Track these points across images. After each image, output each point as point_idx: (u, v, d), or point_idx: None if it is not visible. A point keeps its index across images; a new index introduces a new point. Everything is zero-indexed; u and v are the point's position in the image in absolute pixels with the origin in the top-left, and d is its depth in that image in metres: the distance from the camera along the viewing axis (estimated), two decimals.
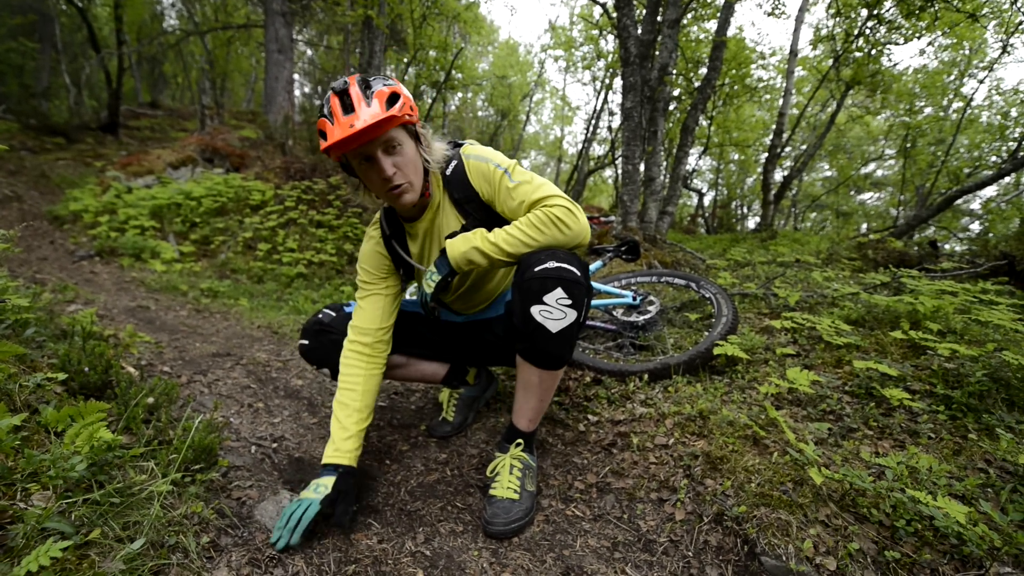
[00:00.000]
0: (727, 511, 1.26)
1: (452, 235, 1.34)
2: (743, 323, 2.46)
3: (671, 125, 7.40)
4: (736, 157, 14.28)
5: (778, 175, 8.69)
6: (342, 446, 1.29)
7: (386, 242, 1.50)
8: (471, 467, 1.58)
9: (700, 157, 10.00)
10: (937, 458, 1.37)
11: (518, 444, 1.41)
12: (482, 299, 1.63)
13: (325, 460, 1.28)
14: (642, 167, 4.62)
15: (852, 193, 16.35)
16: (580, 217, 1.30)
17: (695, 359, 1.94)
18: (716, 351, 1.85)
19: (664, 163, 5.41)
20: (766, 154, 8.02)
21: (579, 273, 1.26)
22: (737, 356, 1.84)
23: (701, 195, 9.20)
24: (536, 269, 1.23)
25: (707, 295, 2.40)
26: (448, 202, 1.42)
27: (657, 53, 4.71)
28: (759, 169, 11.13)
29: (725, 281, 3.03)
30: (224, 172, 5.94)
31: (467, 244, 1.27)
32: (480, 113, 24.64)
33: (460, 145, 1.45)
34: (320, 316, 1.53)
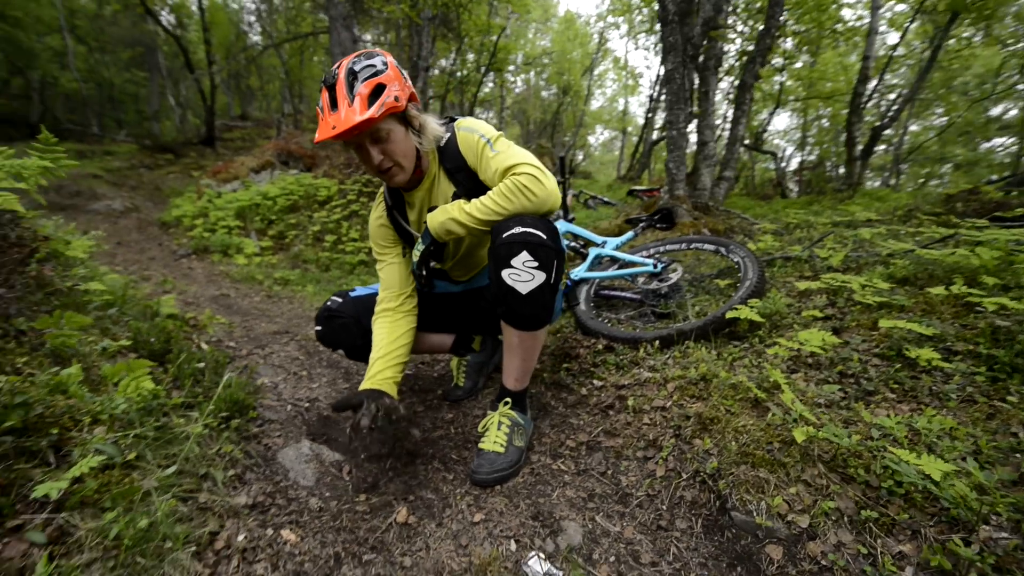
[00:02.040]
0: (703, 468, 1.26)
1: (432, 208, 1.44)
2: (779, 286, 2.33)
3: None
4: (827, 112, 12.87)
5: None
6: (369, 379, 1.43)
7: (388, 213, 1.63)
8: (473, 426, 1.70)
9: (773, 115, 9.15)
10: (959, 421, 1.26)
11: (506, 403, 1.49)
12: (475, 265, 1.72)
13: (363, 387, 1.42)
14: (692, 133, 4.39)
15: (977, 141, 14.08)
16: (547, 183, 1.33)
17: (709, 325, 1.89)
18: (731, 315, 1.79)
19: (720, 126, 5.07)
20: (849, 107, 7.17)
21: (544, 236, 1.31)
22: (754, 320, 1.77)
23: (776, 157, 8.46)
24: (504, 235, 1.29)
25: (735, 259, 2.30)
26: (442, 172, 1.51)
27: (700, 8, 4.41)
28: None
29: (766, 245, 2.85)
30: (298, 172, 6.51)
31: (445, 215, 1.36)
32: (543, 93, 24.36)
33: (455, 119, 1.53)
34: (329, 304, 1.69)
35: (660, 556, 1.10)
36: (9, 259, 1.25)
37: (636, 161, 15.58)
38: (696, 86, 4.69)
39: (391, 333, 1.53)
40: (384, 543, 1.15)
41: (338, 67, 1.31)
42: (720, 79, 5.70)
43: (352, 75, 1.29)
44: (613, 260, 2.70)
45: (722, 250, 2.43)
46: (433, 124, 1.48)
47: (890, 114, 7.36)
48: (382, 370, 1.46)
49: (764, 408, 1.44)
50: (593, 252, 2.77)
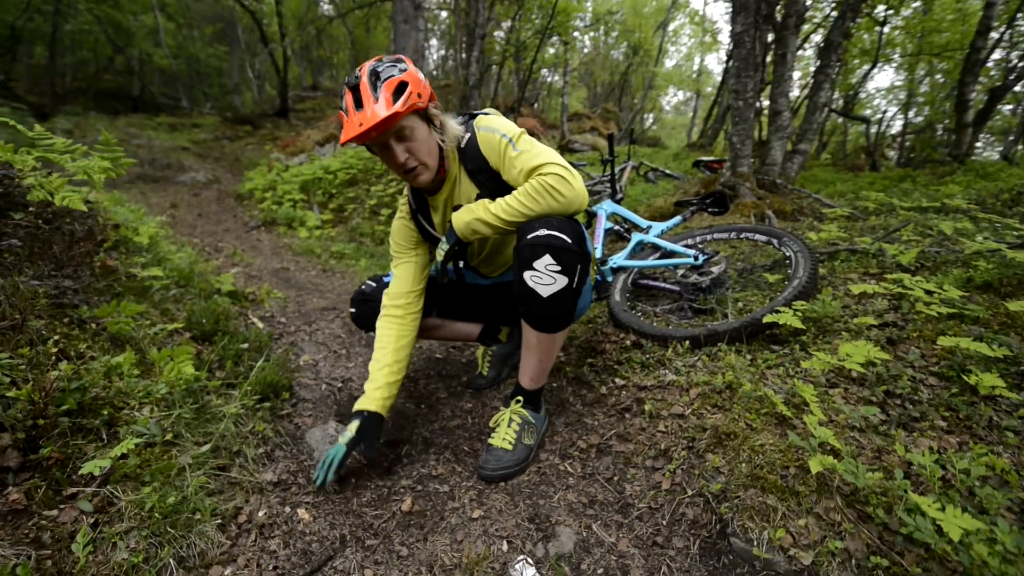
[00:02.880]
0: (709, 486, 1.22)
1: (457, 207, 1.45)
2: (839, 284, 2.13)
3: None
4: (942, 66, 11.12)
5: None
6: (370, 394, 1.51)
7: (413, 216, 1.66)
8: (490, 417, 1.73)
9: (869, 74, 8.06)
10: (1014, 464, 1.11)
11: (518, 400, 1.51)
12: (502, 262, 1.72)
13: (355, 408, 1.52)
14: (760, 100, 4.00)
15: None
16: (575, 183, 1.30)
17: (745, 327, 1.78)
18: (769, 319, 1.67)
19: (796, 92, 4.58)
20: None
21: (569, 240, 1.28)
22: (793, 325, 1.64)
23: (868, 123, 7.51)
24: (528, 237, 1.29)
25: (788, 253, 2.12)
26: (463, 174, 1.51)
27: None
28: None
29: (830, 234, 2.59)
30: (356, 145, 6.72)
31: (470, 215, 1.37)
32: (613, 53, 23.12)
33: (475, 117, 1.51)
34: (363, 287, 1.77)
35: (650, 574, 1.09)
36: (77, 252, 1.42)
37: (709, 127, 14.54)
38: (771, 47, 4.25)
39: (400, 338, 1.57)
40: (387, 530, 1.23)
41: (359, 70, 1.32)
42: (804, 39, 5.06)
43: (375, 75, 1.30)
44: (656, 248, 2.59)
45: (774, 241, 2.25)
46: (452, 123, 1.46)
47: (1016, 74, 6.24)
48: (391, 383, 1.50)
49: (790, 426, 1.36)
50: (636, 238, 2.67)
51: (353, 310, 1.78)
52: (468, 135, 1.46)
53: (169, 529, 1.05)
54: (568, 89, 15.94)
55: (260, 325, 2.36)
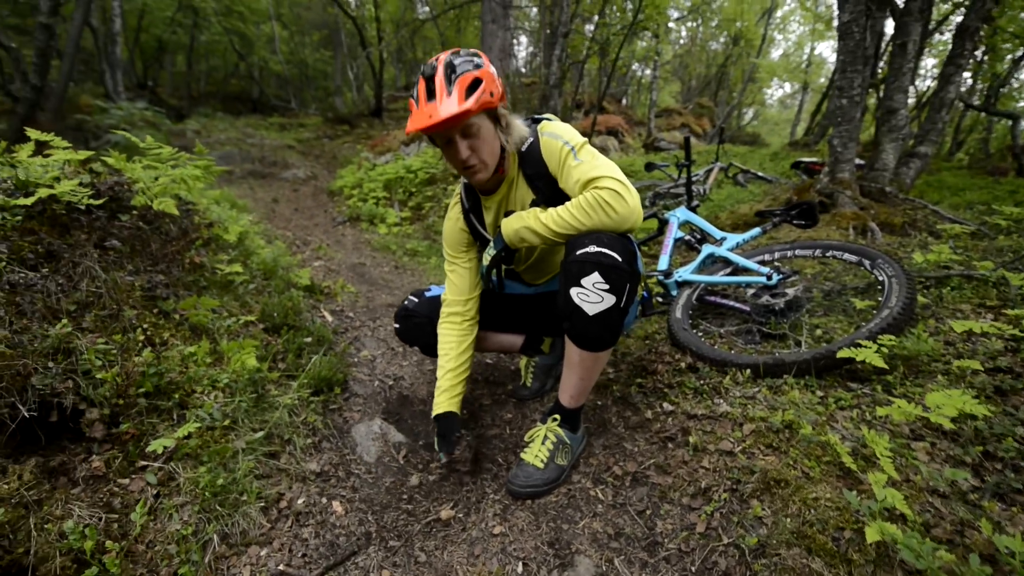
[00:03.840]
0: (747, 537, 1.11)
1: (509, 212, 1.45)
2: (947, 315, 1.84)
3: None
4: None
5: None
6: (439, 399, 1.54)
7: (465, 216, 1.67)
8: (528, 430, 1.72)
9: (1022, 63, 6.78)
10: None
11: (555, 419, 1.48)
12: (548, 270, 1.69)
13: (432, 415, 1.55)
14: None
15: None
16: (630, 200, 1.25)
17: (818, 359, 1.60)
18: (844, 354, 1.49)
19: (911, 88, 3.99)
20: None
21: (620, 259, 1.24)
22: (874, 364, 1.44)
23: (1016, 119, 6.36)
24: (577, 252, 1.26)
25: (880, 278, 1.88)
26: (521, 177, 1.50)
27: None
28: None
29: (938, 256, 2.23)
30: None
31: (520, 223, 1.36)
32: (712, 44, 21.79)
33: (540, 121, 1.50)
34: (406, 303, 1.81)
35: None
36: (170, 250, 1.62)
37: (816, 123, 13.20)
38: (887, 37, 3.75)
39: (460, 343, 1.60)
40: (410, 534, 1.27)
41: (436, 60, 1.31)
42: (940, 22, 4.34)
43: (451, 68, 1.27)
44: (727, 262, 2.41)
45: (866, 263, 2.00)
46: (519, 125, 1.45)
47: None
48: (454, 386, 1.55)
49: (855, 480, 1.20)
50: (706, 250, 2.51)
51: (397, 325, 1.82)
52: (531, 139, 1.45)
53: (217, 507, 1.17)
54: (657, 84, 15.29)
55: (329, 319, 2.54)
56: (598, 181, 1.25)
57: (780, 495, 1.20)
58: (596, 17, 6.37)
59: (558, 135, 1.39)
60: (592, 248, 1.22)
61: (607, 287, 1.22)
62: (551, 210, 1.32)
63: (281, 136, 9.84)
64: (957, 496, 1.10)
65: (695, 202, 3.02)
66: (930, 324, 1.67)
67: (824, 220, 3.43)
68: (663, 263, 2.64)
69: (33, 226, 1.26)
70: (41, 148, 1.52)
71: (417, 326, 1.76)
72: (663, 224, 2.92)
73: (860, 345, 1.49)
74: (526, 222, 1.34)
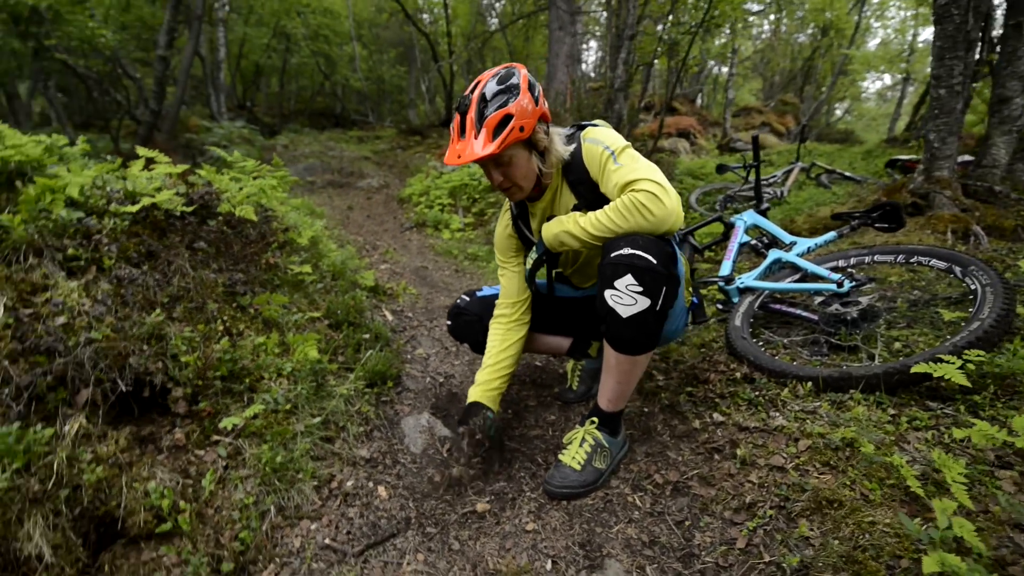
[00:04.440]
0: (789, 557, 1.04)
1: (551, 218, 1.48)
2: None
3: None
4: None
5: None
6: (471, 391, 1.59)
7: (513, 222, 1.72)
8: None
9: None
10: None
11: (593, 422, 1.47)
12: (595, 274, 1.69)
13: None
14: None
15: None
16: (667, 202, 1.24)
17: (890, 374, 1.46)
18: (918, 369, 1.35)
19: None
20: None
21: (655, 261, 1.22)
22: (956, 381, 1.30)
23: None
24: (611, 255, 1.26)
25: (973, 286, 1.68)
26: (564, 184, 1.53)
27: None
28: None
29: None
30: None
31: (560, 227, 1.39)
32: (799, 37, 20.41)
33: (585, 127, 1.52)
34: (458, 302, 1.87)
35: None
36: (249, 252, 1.81)
37: (919, 117, 11.88)
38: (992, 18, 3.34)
39: (503, 342, 1.64)
40: (447, 523, 1.32)
41: (473, 90, 1.34)
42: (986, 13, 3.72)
43: (483, 102, 1.31)
44: (795, 268, 2.26)
45: (956, 270, 1.80)
46: (558, 145, 1.44)
47: None
48: (489, 380, 1.59)
49: (922, 506, 1.09)
50: (772, 255, 2.38)
51: (449, 323, 1.89)
52: (575, 145, 1.46)
53: (276, 482, 1.29)
54: (733, 82, 14.54)
55: (389, 318, 2.69)
56: (636, 184, 1.24)
57: (832, 516, 1.11)
58: (669, 17, 6.20)
59: (599, 140, 1.39)
60: (626, 250, 1.21)
61: (640, 289, 1.21)
62: (590, 214, 1.33)
63: (359, 148, 10.51)
64: None
65: (764, 205, 2.86)
66: (1019, 342, 1.46)
67: (917, 224, 3.10)
68: (725, 268, 2.53)
69: (137, 230, 1.47)
70: (149, 163, 1.77)
71: (467, 324, 1.82)
72: (728, 228, 2.79)
73: (941, 360, 1.34)
74: (565, 226, 1.36)
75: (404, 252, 4.68)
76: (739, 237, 2.69)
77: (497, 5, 15.01)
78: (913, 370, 1.35)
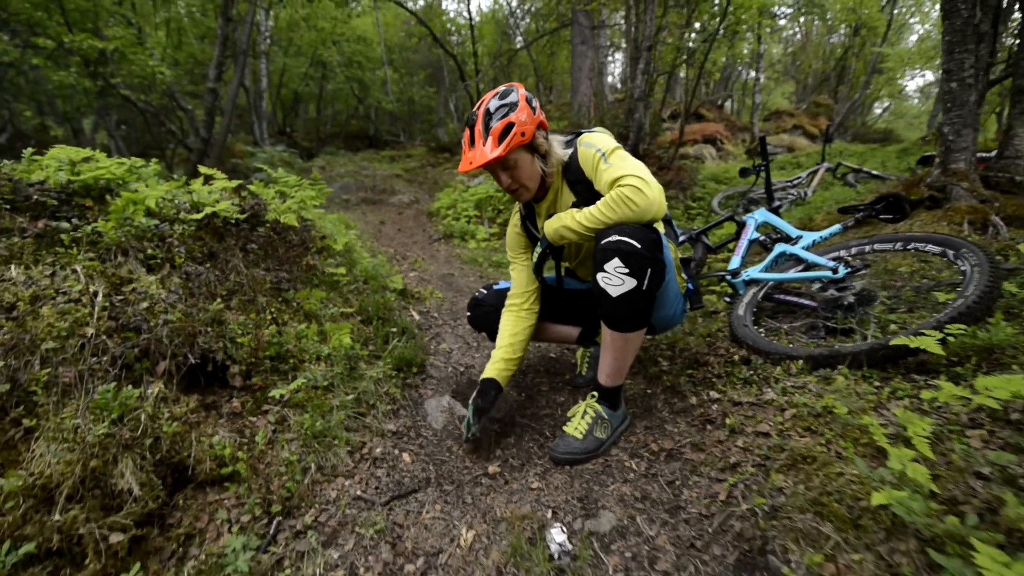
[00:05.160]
0: (765, 503, 1.16)
1: (551, 215, 1.66)
2: None
3: None
4: None
5: None
6: (487, 368, 1.76)
7: (522, 222, 1.91)
8: None
9: None
10: None
11: (594, 395, 1.62)
12: None
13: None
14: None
15: None
16: (649, 193, 1.39)
17: (875, 350, 1.56)
18: (897, 342, 1.45)
19: None
20: None
21: (639, 245, 1.38)
22: (932, 351, 1.39)
23: None
24: (602, 242, 1.43)
25: (963, 267, 1.75)
26: (564, 185, 1.71)
27: None
28: None
29: None
30: None
31: (559, 223, 1.57)
32: (832, 38, 20.05)
33: (581, 134, 1.70)
34: (477, 294, 2.06)
35: (677, 570, 1.11)
36: (292, 254, 2.06)
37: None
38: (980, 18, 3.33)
39: (513, 327, 1.82)
40: (462, 482, 1.49)
41: (479, 107, 1.56)
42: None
43: (488, 115, 1.52)
44: (799, 260, 2.35)
45: (949, 253, 1.86)
46: (557, 149, 1.64)
47: None
48: (501, 360, 1.76)
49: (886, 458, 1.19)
50: (777, 248, 2.47)
51: (469, 313, 2.10)
52: (572, 150, 1.65)
53: (316, 445, 1.50)
54: (761, 86, 14.39)
55: (416, 317, 2.91)
56: (622, 179, 1.40)
57: (805, 470, 1.23)
58: (687, 26, 6.32)
59: (592, 144, 1.56)
60: (614, 237, 1.38)
61: (627, 271, 1.36)
62: (584, 209, 1.49)
63: (391, 167, 11.01)
64: (1003, 480, 1.05)
65: (776, 203, 2.95)
66: (999, 317, 1.52)
67: (935, 216, 3.10)
68: (734, 263, 2.63)
69: (201, 234, 1.74)
70: (208, 180, 2.06)
71: (484, 314, 2.01)
72: (740, 227, 2.90)
73: (922, 335, 1.43)
74: (563, 221, 1.53)
75: (432, 261, 4.93)
76: (749, 234, 2.79)
77: (521, 24, 15.47)
78: (892, 343, 1.45)
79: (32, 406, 1.19)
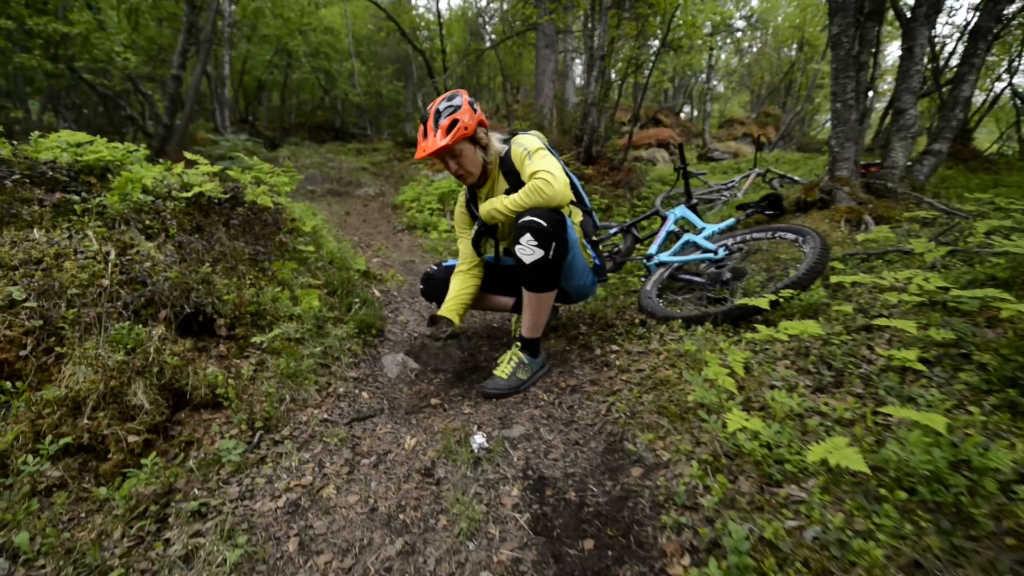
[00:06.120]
0: (626, 410, 1.60)
1: (486, 199, 2.05)
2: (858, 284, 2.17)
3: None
4: None
5: None
6: (442, 308, 2.16)
7: (467, 204, 2.30)
8: None
9: None
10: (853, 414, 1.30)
11: (517, 345, 2.04)
12: None
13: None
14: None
15: None
16: (556, 185, 1.81)
17: (731, 311, 2.03)
18: (740, 302, 1.93)
19: (919, 87, 4.10)
20: None
21: (545, 224, 1.79)
22: (762, 307, 1.87)
23: None
24: (519, 221, 1.84)
25: (805, 249, 2.26)
26: (500, 174, 2.11)
27: None
28: None
29: (877, 236, 2.51)
30: None
31: (490, 206, 1.96)
32: (783, 50, 21.33)
33: (516, 134, 2.10)
34: (428, 270, 2.44)
35: (564, 457, 1.54)
36: (266, 232, 2.38)
37: (884, 127, 12.58)
38: (876, 45, 3.94)
39: (461, 285, 2.21)
40: (411, 410, 1.88)
41: (430, 108, 1.95)
42: (937, 32, 4.41)
43: (438, 114, 1.91)
44: (697, 246, 2.84)
45: (799, 239, 2.37)
46: (495, 143, 2.06)
47: None
48: (452, 305, 2.15)
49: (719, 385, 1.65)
50: (684, 238, 2.95)
51: (422, 285, 2.47)
52: (507, 147, 2.05)
53: (290, 383, 1.85)
54: (711, 95, 15.25)
55: (377, 294, 3.26)
56: (537, 174, 1.82)
57: (662, 389, 1.67)
58: (647, 37, 6.85)
59: (521, 143, 1.97)
60: (527, 217, 1.79)
61: (536, 243, 1.78)
62: (510, 196, 1.90)
63: (357, 160, 11.15)
64: (789, 388, 1.52)
65: (693, 201, 3.45)
66: (817, 285, 2.03)
67: (823, 215, 3.69)
68: (652, 250, 3.11)
69: (190, 210, 2.05)
70: (191, 165, 2.35)
71: (435, 285, 2.39)
72: (663, 220, 3.38)
73: (762, 297, 1.91)
74: (494, 204, 1.93)
75: (395, 249, 5.25)
76: (667, 226, 3.28)
77: (490, 24, 15.82)
78: (737, 303, 1.93)
79: (60, 339, 1.50)
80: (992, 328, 1.57)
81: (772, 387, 1.55)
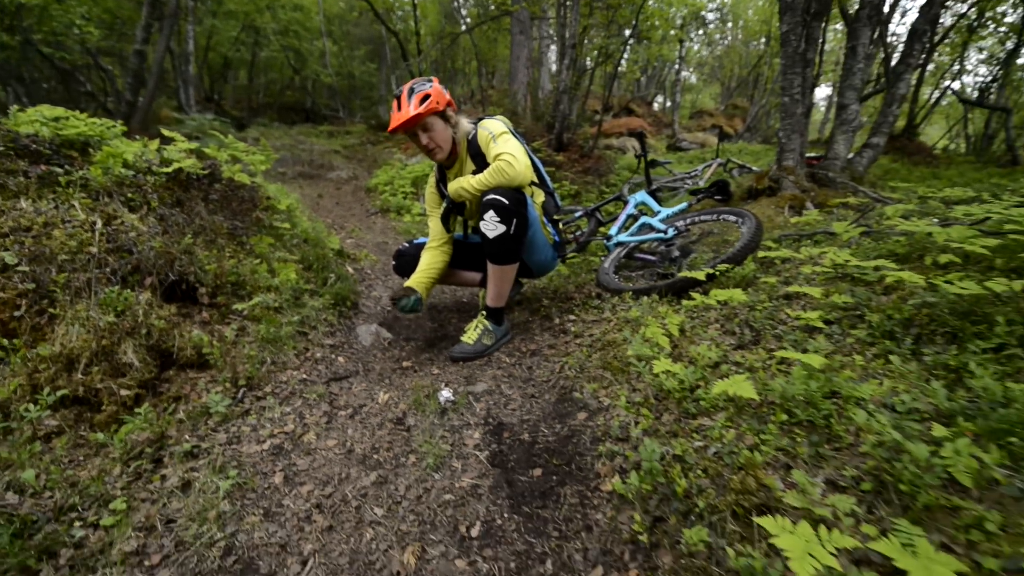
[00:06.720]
0: (575, 366, 1.82)
1: (454, 178, 2.21)
2: (790, 260, 2.44)
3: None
4: None
5: None
6: (410, 280, 2.33)
7: (436, 184, 2.45)
8: None
9: (1015, 56, 6.84)
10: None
11: (483, 313, 2.23)
12: None
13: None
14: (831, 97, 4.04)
15: None
16: (517, 166, 1.98)
17: (675, 284, 2.26)
18: (682, 275, 2.17)
19: (862, 84, 4.43)
20: None
21: (507, 202, 1.97)
22: (699, 279, 2.10)
23: (1009, 112, 6.47)
24: (483, 199, 2.01)
25: (742, 229, 2.51)
26: (468, 156, 2.27)
27: None
28: None
29: (808, 219, 2.80)
30: None
31: (458, 185, 2.12)
32: (752, 44, 21.87)
33: (483, 119, 2.26)
34: (400, 248, 2.60)
35: (521, 408, 1.74)
36: (243, 208, 2.48)
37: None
38: (821, 43, 4.23)
39: (431, 260, 2.37)
40: (384, 372, 2.05)
41: (404, 87, 2.10)
42: (879, 31, 4.75)
43: (412, 90, 2.06)
44: (652, 228, 3.07)
45: (739, 220, 2.62)
46: (464, 123, 2.22)
47: None
48: (420, 278, 2.31)
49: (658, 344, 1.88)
50: (642, 220, 3.18)
51: (394, 262, 2.63)
52: (474, 130, 2.21)
53: (270, 347, 1.99)
54: (681, 86, 15.59)
55: (351, 272, 3.39)
56: (500, 156, 1.99)
57: (608, 349, 1.89)
58: (617, 27, 7.01)
59: (487, 127, 2.14)
60: (491, 195, 1.96)
61: (499, 219, 1.96)
62: (476, 176, 2.06)
63: (329, 142, 11.02)
64: (715, 343, 1.76)
65: (653, 187, 3.68)
66: (749, 261, 2.29)
67: (771, 201, 3.99)
68: (612, 231, 3.34)
69: (170, 185, 2.14)
70: (167, 142, 2.43)
71: (407, 262, 2.55)
72: (625, 204, 3.61)
73: (700, 271, 2.15)
74: (461, 184, 2.09)
75: (368, 231, 5.34)
76: (628, 210, 3.51)
77: (464, 9, 15.70)
78: (679, 275, 2.16)
79: (52, 301, 1.60)
80: (887, 295, 1.85)
81: (700, 344, 1.79)
